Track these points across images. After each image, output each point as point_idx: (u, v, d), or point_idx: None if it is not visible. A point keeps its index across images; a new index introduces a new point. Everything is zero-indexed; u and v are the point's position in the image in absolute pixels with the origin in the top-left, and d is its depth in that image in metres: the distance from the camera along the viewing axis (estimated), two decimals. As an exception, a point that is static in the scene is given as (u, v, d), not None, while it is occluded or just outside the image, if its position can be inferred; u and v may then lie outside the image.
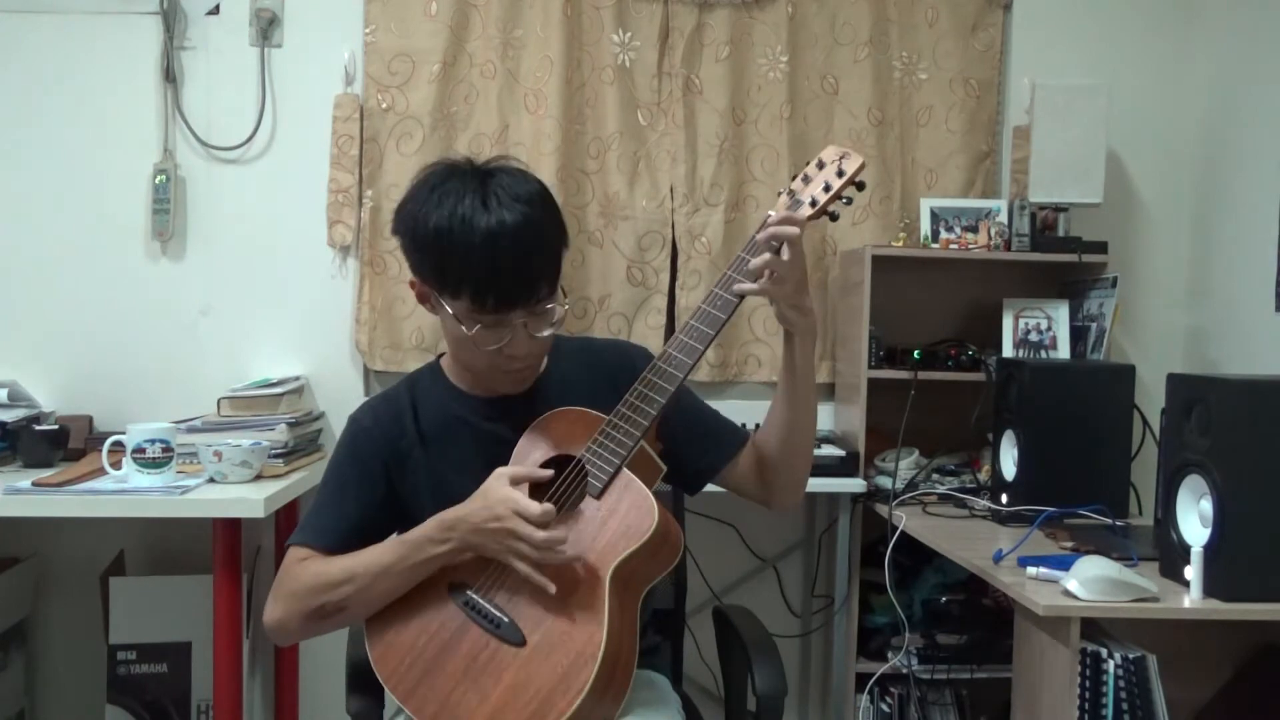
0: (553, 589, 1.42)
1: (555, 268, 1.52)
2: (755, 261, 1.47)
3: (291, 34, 2.83)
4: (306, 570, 1.53)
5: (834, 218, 1.57)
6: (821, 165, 1.55)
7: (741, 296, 1.51)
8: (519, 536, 1.41)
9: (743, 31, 2.90)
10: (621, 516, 1.46)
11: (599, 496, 1.48)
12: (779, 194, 1.57)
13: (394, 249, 2.79)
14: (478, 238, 1.44)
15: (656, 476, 1.55)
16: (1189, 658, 1.94)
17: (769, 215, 1.52)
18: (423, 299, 1.56)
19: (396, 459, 1.59)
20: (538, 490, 1.50)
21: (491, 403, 1.61)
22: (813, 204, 1.53)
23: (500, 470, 1.47)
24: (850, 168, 1.53)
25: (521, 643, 1.43)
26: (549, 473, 1.50)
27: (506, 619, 1.45)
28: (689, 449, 1.65)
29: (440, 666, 1.45)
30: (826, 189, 1.53)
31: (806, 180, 1.55)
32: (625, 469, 1.49)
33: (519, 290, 1.47)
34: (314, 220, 2.84)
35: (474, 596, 1.48)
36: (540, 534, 1.41)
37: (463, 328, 1.49)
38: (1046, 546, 2.13)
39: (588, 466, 1.50)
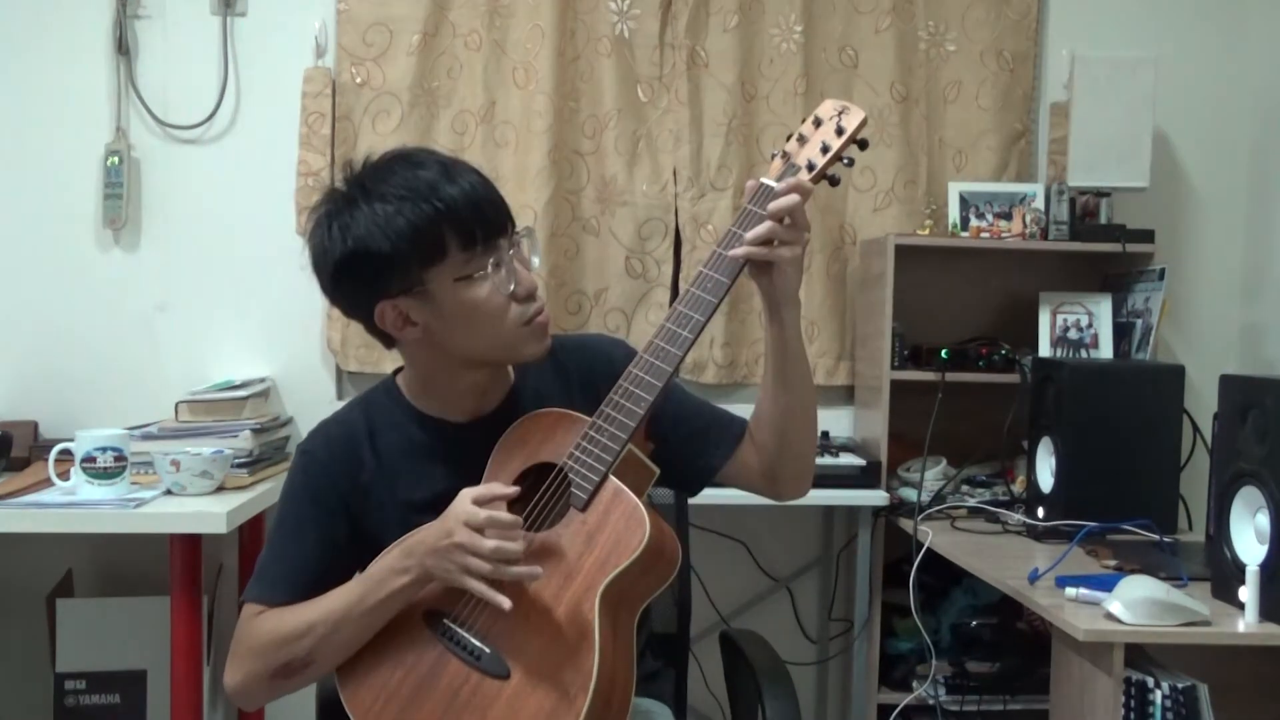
0: (506, 605, 1.39)
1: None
2: (758, 230, 1.46)
3: (257, 1, 2.83)
4: (263, 626, 1.51)
5: (834, 182, 1.55)
6: (819, 123, 1.53)
7: (736, 275, 1.48)
8: (468, 549, 1.39)
9: (753, -2, 2.91)
10: (610, 530, 1.44)
11: (584, 509, 1.46)
12: (772, 156, 1.55)
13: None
14: (428, 181, 1.44)
15: (648, 481, 1.52)
16: (1243, 687, 1.94)
17: (761, 182, 1.50)
18: (401, 323, 1.50)
19: (357, 493, 1.56)
20: (515, 506, 1.48)
21: (458, 425, 1.58)
22: (810, 168, 1.51)
23: (465, 491, 1.45)
24: (850, 124, 1.50)
25: (505, 675, 1.42)
26: (515, 490, 1.47)
27: (488, 650, 1.44)
28: (685, 448, 1.63)
29: (418, 704, 1.44)
30: (824, 150, 1.50)
31: (802, 141, 1.53)
32: (612, 476, 1.47)
33: (497, 210, 1.48)
34: (281, 206, 2.84)
35: (451, 626, 1.46)
36: (488, 543, 1.38)
37: (475, 283, 1.46)
38: (1087, 565, 2.13)
39: (570, 475, 1.48)
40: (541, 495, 1.50)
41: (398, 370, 1.65)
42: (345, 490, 1.56)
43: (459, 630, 1.46)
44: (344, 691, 1.49)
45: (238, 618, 1.56)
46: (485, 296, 1.48)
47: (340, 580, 1.52)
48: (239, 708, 1.63)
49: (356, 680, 1.49)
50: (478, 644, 1.44)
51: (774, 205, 1.46)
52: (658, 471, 1.53)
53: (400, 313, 1.50)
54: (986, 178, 2.94)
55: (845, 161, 1.53)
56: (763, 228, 1.46)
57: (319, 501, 1.56)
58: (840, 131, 1.50)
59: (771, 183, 1.51)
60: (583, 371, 1.63)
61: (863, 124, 1.51)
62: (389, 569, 1.46)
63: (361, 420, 1.60)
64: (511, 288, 1.48)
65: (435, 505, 1.48)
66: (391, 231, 1.44)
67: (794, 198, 1.46)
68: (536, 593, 1.43)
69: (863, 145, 1.53)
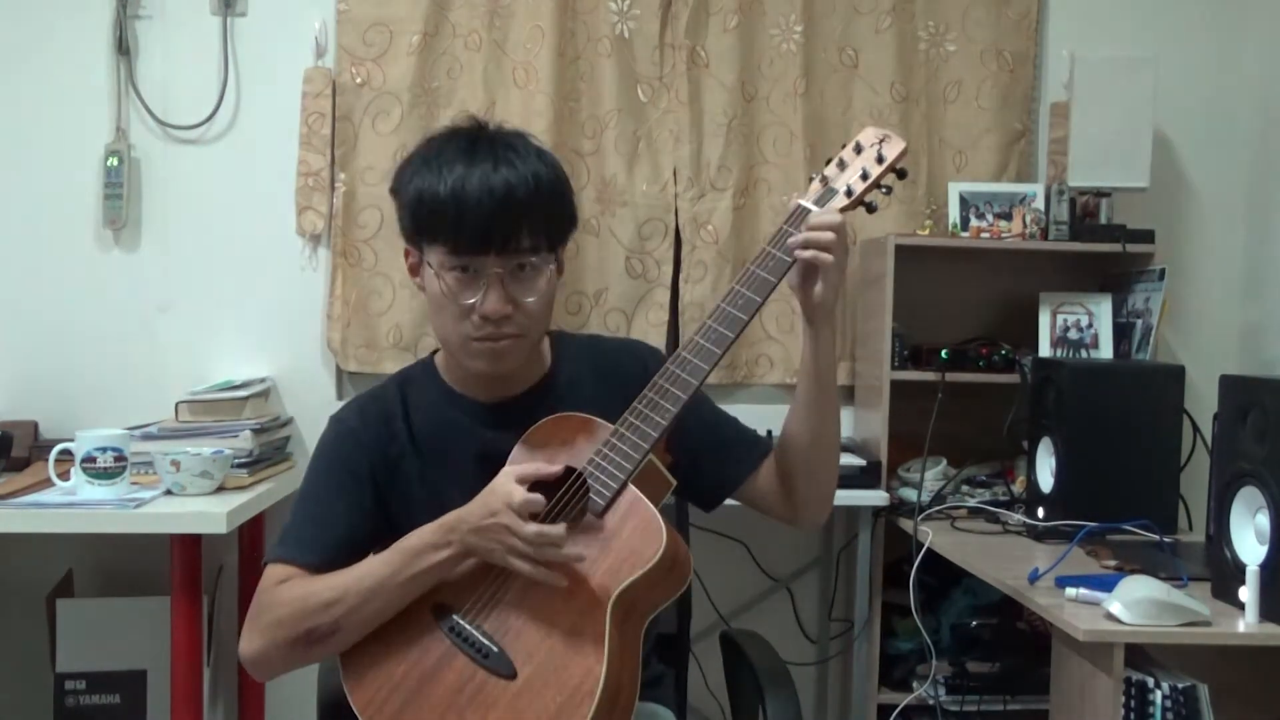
0: (563, 583, 1.42)
1: (545, 219, 1.53)
2: (800, 237, 1.50)
3: (257, 1, 2.83)
4: (290, 592, 1.51)
5: (871, 209, 1.58)
6: (859, 149, 1.56)
7: (769, 291, 1.52)
8: (513, 532, 1.41)
9: (753, -2, 2.91)
10: (626, 538, 1.46)
11: (601, 515, 1.48)
12: (811, 179, 1.58)
13: (369, 238, 2.80)
14: (459, 171, 1.48)
15: (665, 492, 1.55)
16: (1244, 687, 1.95)
17: (799, 203, 1.53)
18: (414, 271, 1.59)
19: (386, 466, 1.59)
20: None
21: (491, 408, 1.61)
22: (848, 193, 1.54)
23: (507, 469, 1.48)
24: (891, 153, 1.54)
25: (512, 675, 1.42)
26: (558, 469, 1.50)
27: (496, 648, 1.44)
28: (705, 461, 1.66)
29: (422, 699, 1.45)
30: (864, 177, 1.53)
31: (842, 166, 1.56)
32: (631, 485, 1.48)
33: (493, 229, 1.48)
34: (281, 206, 2.84)
35: (460, 622, 1.47)
36: (530, 528, 1.40)
37: (440, 281, 1.51)
38: (1087, 565, 2.13)
39: (590, 481, 1.50)
40: (559, 499, 1.51)
41: (437, 350, 1.68)
42: (375, 461, 1.59)
43: (467, 627, 1.47)
44: (348, 683, 1.49)
45: (260, 579, 1.56)
46: (448, 295, 1.51)
47: (363, 554, 1.54)
48: (255, 678, 1.63)
49: (360, 672, 1.49)
50: (485, 642, 1.45)
51: (804, 241, 1.50)
52: (675, 483, 1.56)
53: (414, 263, 1.58)
54: (986, 178, 2.94)
55: (884, 190, 1.56)
56: (802, 236, 1.50)
57: (349, 469, 1.59)
58: (881, 160, 1.54)
59: (809, 205, 1.55)
60: (620, 373, 1.65)
61: (903, 153, 1.55)
62: (427, 544, 1.47)
63: (396, 395, 1.64)
64: (466, 302, 1.50)
65: (462, 482, 1.50)
66: (414, 195, 1.52)
67: (828, 235, 1.49)
68: (548, 595, 1.44)
69: (901, 174, 1.56)
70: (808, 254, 1.50)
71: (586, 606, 1.43)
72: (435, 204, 1.49)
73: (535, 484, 1.51)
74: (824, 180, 1.56)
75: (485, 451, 1.57)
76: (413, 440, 1.60)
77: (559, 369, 1.65)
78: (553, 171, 1.55)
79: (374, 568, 1.50)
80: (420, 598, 1.49)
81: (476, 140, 1.53)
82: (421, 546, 1.47)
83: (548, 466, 1.49)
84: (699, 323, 1.56)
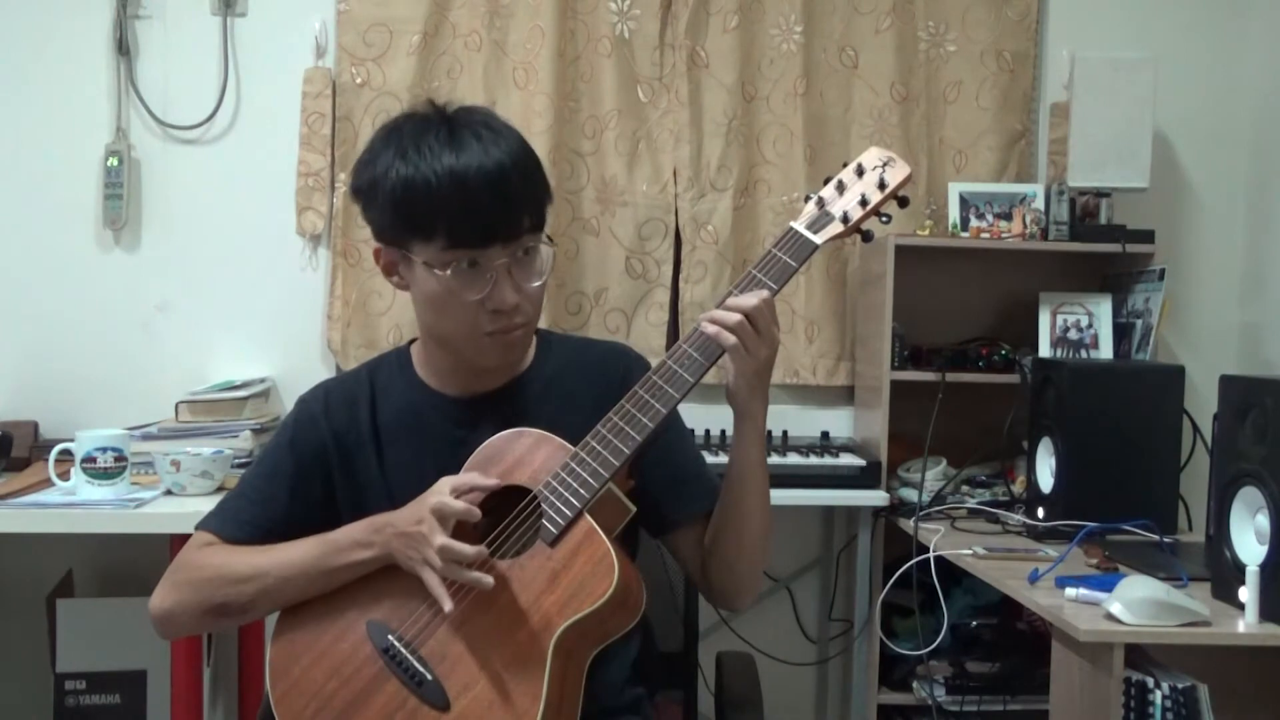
0: (448, 605, 1.36)
1: (536, 198, 1.48)
2: (708, 314, 1.42)
3: (257, 1, 2.83)
4: (211, 559, 1.50)
5: (867, 237, 1.51)
6: (861, 172, 1.49)
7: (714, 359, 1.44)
8: (426, 541, 1.37)
9: (753, -1, 2.91)
10: (575, 573, 1.38)
11: (552, 544, 1.40)
12: (806, 199, 1.51)
13: (369, 238, 2.79)
14: (445, 166, 1.41)
15: (622, 520, 1.45)
16: (1244, 688, 1.95)
17: (791, 227, 1.46)
18: (389, 270, 1.51)
19: (342, 455, 1.54)
20: (484, 525, 1.43)
21: (462, 404, 1.55)
22: (844, 220, 1.46)
23: (445, 479, 1.42)
24: (894, 179, 1.46)
25: (445, 707, 1.37)
26: (494, 482, 1.42)
27: (430, 676, 1.39)
28: (656, 491, 1.55)
29: (349, 719, 1.41)
30: (863, 203, 1.46)
31: (841, 189, 1.48)
32: (586, 514, 1.41)
33: (497, 218, 1.42)
34: (282, 207, 2.84)
35: (396, 644, 1.42)
36: (438, 539, 1.35)
37: (438, 278, 1.43)
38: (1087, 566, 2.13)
39: (544, 506, 1.42)
40: (511, 520, 1.44)
41: (414, 340, 1.63)
42: (330, 450, 1.54)
43: (403, 650, 1.41)
44: (275, 692, 1.45)
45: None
46: (452, 291, 1.44)
47: (298, 537, 1.49)
48: (160, 635, 1.61)
49: (289, 682, 1.45)
50: (420, 669, 1.40)
51: (716, 313, 1.42)
52: (634, 510, 1.46)
53: (390, 261, 1.51)
54: (986, 178, 2.94)
55: (883, 219, 1.49)
56: (710, 313, 1.41)
57: (301, 455, 1.55)
58: (883, 186, 1.46)
59: (801, 229, 1.47)
60: (604, 376, 1.57)
61: (906, 180, 1.47)
62: (354, 540, 1.44)
63: (366, 383, 1.59)
64: (478, 298, 1.44)
65: (420, 482, 1.44)
66: (399, 189, 1.43)
67: (734, 317, 1.40)
68: (491, 624, 1.39)
69: (903, 203, 1.49)
70: (710, 330, 1.41)
71: (529, 640, 1.37)
72: (430, 197, 1.41)
73: (487, 504, 1.44)
74: (820, 203, 1.48)
75: (449, 450, 1.50)
76: (375, 431, 1.55)
77: (540, 365, 1.59)
78: (526, 146, 1.50)
79: (297, 553, 1.46)
80: (358, 609, 1.45)
81: (450, 124, 1.45)
82: (347, 542, 1.44)
83: (484, 479, 1.42)
84: (675, 343, 1.47)
